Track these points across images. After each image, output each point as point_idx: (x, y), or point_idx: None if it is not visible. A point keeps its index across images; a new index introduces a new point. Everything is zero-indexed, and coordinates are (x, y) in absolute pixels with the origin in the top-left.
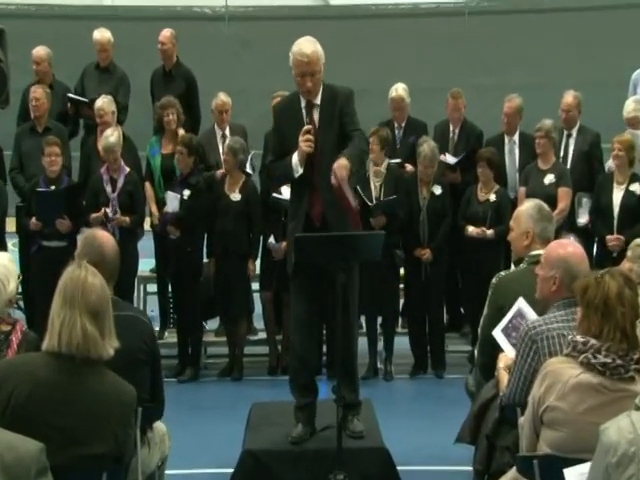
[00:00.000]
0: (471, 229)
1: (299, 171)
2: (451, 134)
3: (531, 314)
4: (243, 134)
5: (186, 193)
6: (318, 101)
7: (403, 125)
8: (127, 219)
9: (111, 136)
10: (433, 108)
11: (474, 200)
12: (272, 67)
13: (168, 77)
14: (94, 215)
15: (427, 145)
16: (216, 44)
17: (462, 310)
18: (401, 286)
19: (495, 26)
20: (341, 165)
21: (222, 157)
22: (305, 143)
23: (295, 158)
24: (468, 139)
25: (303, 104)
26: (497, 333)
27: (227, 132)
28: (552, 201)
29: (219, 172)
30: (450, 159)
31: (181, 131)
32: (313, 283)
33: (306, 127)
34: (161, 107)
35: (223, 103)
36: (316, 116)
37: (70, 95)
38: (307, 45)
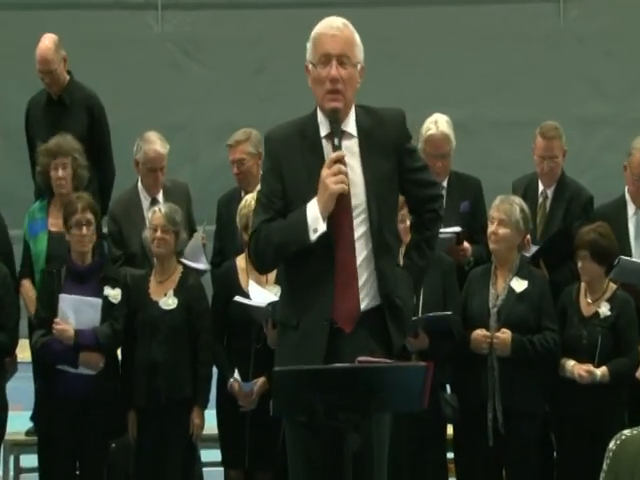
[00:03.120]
0: (571, 365)
1: (319, 229)
2: (541, 197)
3: None
4: (185, 198)
5: (112, 293)
6: (352, 129)
7: (445, 183)
8: None
9: None
10: (508, 154)
11: (575, 314)
12: (235, 88)
13: (56, 107)
14: None
15: (506, 201)
16: (143, 50)
17: None
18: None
19: (609, 21)
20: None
21: (149, 236)
22: (334, 178)
23: (313, 209)
24: (569, 207)
25: (324, 132)
26: None
27: (160, 196)
28: None
29: None
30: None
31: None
32: (322, 441)
33: (337, 154)
34: (47, 154)
35: (157, 156)
36: (350, 143)
37: None
38: (337, 20)
